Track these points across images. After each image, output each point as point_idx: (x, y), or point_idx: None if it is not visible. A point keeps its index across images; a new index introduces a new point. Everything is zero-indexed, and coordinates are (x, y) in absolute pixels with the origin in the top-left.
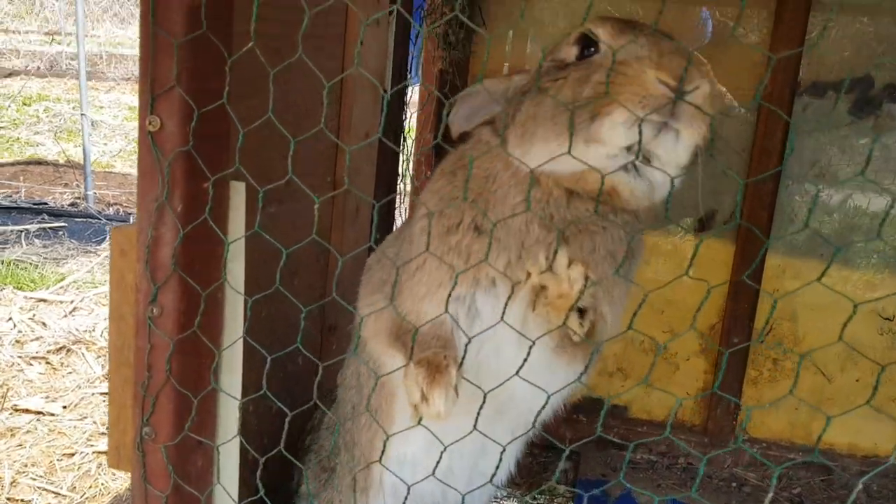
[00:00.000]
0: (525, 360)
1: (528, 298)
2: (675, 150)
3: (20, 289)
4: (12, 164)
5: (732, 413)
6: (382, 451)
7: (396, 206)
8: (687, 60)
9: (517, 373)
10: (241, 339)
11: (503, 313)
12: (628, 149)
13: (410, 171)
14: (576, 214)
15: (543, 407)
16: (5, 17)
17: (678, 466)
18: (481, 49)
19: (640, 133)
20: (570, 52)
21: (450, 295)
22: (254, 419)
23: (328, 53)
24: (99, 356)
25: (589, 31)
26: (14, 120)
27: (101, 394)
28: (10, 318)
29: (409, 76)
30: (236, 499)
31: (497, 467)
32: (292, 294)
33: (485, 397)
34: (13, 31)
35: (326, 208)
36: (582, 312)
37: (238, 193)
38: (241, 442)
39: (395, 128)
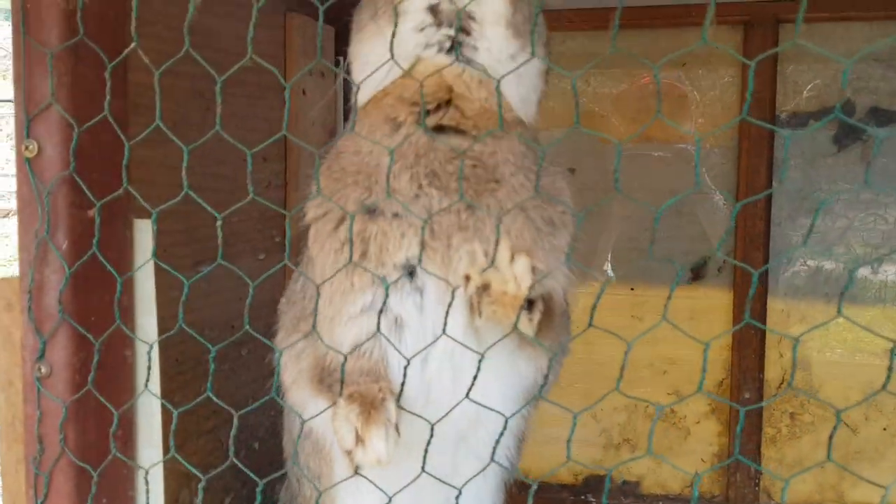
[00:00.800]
0: (475, 378)
1: (468, 301)
2: (489, 7)
3: None
4: None
5: (754, 478)
6: None
7: None
8: None
9: (468, 395)
10: (158, 406)
11: (445, 325)
12: (433, 12)
13: None
14: (454, 160)
15: (502, 434)
16: None
17: None
18: None
19: None
20: None
21: (381, 310)
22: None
23: (268, 104)
24: None
25: None
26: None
27: None
28: None
29: None
30: None
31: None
32: (240, 367)
33: (432, 429)
34: None
35: (277, 271)
36: (530, 305)
37: (143, 233)
38: None
39: None
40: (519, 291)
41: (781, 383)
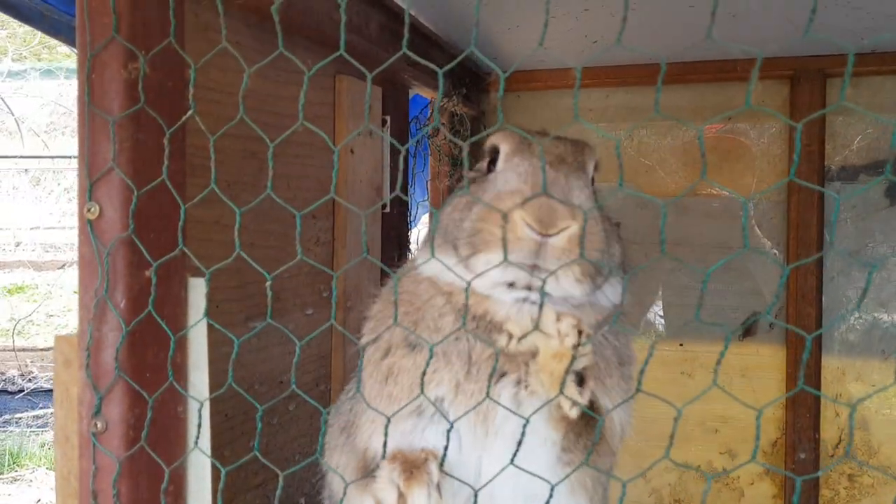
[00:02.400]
0: (520, 442)
1: (515, 379)
2: (561, 287)
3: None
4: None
5: None
6: None
7: None
8: (562, 193)
9: (512, 461)
10: (209, 462)
11: (487, 390)
12: (507, 284)
13: None
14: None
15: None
16: None
17: None
18: None
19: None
20: (484, 164)
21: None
22: None
23: (317, 163)
24: None
25: (494, 144)
26: (66, 307)
27: None
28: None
29: (411, 192)
30: None
31: None
32: (289, 422)
33: (476, 495)
34: (70, 228)
35: (325, 328)
36: (581, 380)
37: (197, 291)
38: None
39: (398, 243)
40: (562, 347)
41: (839, 443)
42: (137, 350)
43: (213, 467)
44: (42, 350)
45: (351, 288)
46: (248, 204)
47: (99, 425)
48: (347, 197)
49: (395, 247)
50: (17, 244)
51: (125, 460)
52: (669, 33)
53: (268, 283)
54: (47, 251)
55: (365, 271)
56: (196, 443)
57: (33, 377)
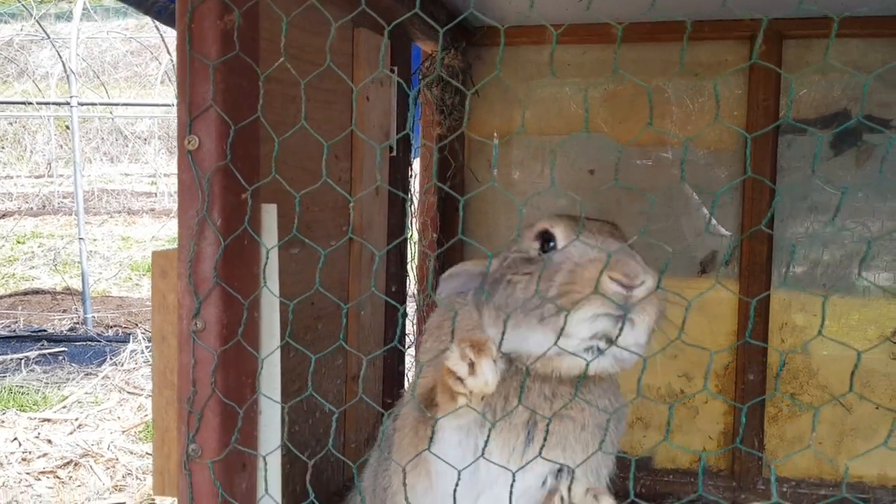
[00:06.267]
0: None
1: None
2: (633, 335)
3: (23, 410)
4: (10, 296)
5: (757, 451)
6: None
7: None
8: (633, 258)
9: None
10: (278, 357)
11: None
12: (591, 337)
13: (416, 227)
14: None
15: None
16: None
17: None
18: (475, 114)
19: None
20: (533, 246)
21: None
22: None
23: (339, 108)
24: (107, 468)
25: (546, 229)
26: (9, 257)
27: None
28: (16, 438)
29: (412, 137)
30: None
31: None
32: (317, 339)
33: (527, 371)
34: (5, 177)
35: (343, 257)
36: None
37: (269, 215)
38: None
39: (402, 183)
40: None
41: (784, 365)
42: (228, 262)
43: (290, 357)
44: None
45: (365, 222)
46: (290, 142)
47: (199, 325)
48: (362, 141)
49: (399, 187)
50: None
51: (221, 354)
52: None
53: (351, 205)
54: None
55: (375, 207)
56: (287, 337)
57: None
